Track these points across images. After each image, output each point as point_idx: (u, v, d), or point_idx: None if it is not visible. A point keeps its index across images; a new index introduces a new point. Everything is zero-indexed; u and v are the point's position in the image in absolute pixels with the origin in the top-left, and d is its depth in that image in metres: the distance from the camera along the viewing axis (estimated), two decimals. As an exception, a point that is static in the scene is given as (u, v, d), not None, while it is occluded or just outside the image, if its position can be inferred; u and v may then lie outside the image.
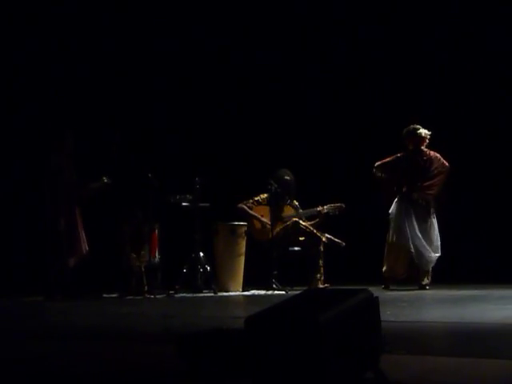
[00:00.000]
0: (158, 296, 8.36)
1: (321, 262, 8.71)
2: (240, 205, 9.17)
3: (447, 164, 8.61)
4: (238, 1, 10.84)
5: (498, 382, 3.00)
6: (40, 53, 10.24)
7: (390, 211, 8.56)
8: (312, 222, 9.04)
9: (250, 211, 9.16)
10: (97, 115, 10.09)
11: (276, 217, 8.96)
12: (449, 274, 8.77)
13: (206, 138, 10.52)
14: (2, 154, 9.91)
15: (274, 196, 8.99)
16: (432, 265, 8.48)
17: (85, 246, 8.36)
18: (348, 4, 10.64)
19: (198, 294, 8.55)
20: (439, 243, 8.50)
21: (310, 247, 8.80)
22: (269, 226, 8.89)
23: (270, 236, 8.80)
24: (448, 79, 10.18)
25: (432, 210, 8.55)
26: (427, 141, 8.57)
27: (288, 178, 9.10)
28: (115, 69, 10.52)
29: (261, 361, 2.73)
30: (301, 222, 8.95)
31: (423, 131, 8.55)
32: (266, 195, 9.13)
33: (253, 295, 8.53)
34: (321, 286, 8.56)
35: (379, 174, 8.65)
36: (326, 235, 8.82)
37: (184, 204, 8.91)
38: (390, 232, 8.51)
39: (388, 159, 8.69)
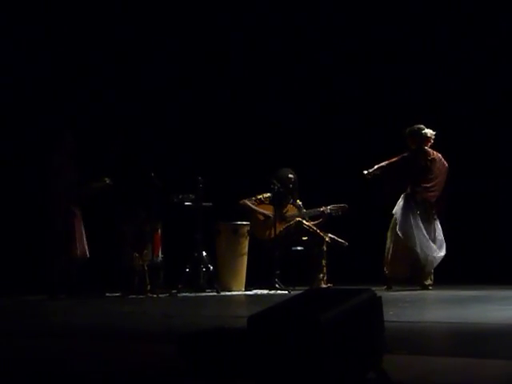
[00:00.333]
0: (160, 295, 8.36)
1: (324, 261, 8.70)
2: (242, 201, 9.17)
3: (446, 164, 8.60)
4: (238, 1, 10.87)
5: (501, 382, 3.00)
6: (40, 53, 10.23)
7: (393, 211, 8.53)
8: (315, 222, 9.03)
9: (252, 206, 9.15)
10: (98, 115, 10.09)
11: (279, 216, 8.96)
12: (451, 274, 8.75)
13: (208, 137, 10.52)
14: (2, 154, 9.91)
15: (277, 195, 8.98)
16: (436, 265, 8.47)
17: (81, 248, 8.31)
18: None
19: (200, 294, 8.55)
20: (444, 243, 8.48)
21: (312, 247, 8.78)
22: (272, 220, 8.86)
23: (273, 234, 8.80)
24: (448, 79, 10.18)
25: (435, 211, 8.53)
26: (432, 141, 8.54)
27: (291, 177, 9.09)
28: (116, 68, 10.52)
29: (263, 360, 2.73)
30: (304, 221, 8.95)
31: (428, 131, 8.49)
32: (268, 194, 9.12)
33: (255, 295, 8.53)
34: (323, 285, 8.55)
35: (377, 173, 8.60)
36: (329, 235, 8.80)
37: (187, 203, 8.91)
38: (394, 232, 8.47)
39: (394, 159, 8.65)
